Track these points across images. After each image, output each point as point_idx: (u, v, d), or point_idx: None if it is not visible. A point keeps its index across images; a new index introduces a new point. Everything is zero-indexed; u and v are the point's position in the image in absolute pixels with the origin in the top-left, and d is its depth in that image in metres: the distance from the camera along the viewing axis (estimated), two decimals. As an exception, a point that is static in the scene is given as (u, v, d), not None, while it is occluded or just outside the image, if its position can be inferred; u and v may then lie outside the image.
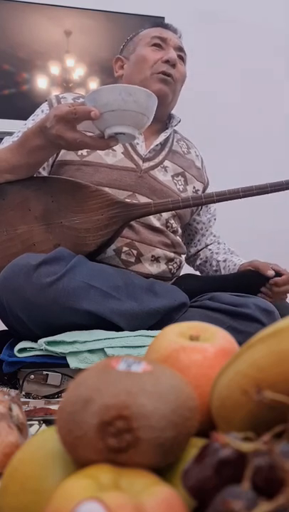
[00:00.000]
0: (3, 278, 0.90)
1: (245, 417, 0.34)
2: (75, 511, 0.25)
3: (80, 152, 1.13)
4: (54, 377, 0.88)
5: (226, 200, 1.07)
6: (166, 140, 1.26)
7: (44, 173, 1.14)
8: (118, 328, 0.93)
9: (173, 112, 1.30)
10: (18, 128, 1.18)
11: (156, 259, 1.14)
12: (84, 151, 1.13)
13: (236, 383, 0.34)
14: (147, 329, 0.96)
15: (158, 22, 1.30)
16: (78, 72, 2.17)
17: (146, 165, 1.18)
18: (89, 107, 0.88)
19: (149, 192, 1.15)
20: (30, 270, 0.88)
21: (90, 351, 0.87)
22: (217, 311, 1.01)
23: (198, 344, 0.44)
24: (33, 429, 0.62)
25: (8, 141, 1.13)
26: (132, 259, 1.11)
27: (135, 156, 1.17)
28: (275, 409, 0.31)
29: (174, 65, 1.18)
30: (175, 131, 1.32)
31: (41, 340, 0.87)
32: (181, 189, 1.22)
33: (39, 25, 2.12)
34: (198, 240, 1.37)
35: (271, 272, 1.13)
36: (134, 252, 1.11)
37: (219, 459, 0.27)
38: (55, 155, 1.13)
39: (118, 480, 0.30)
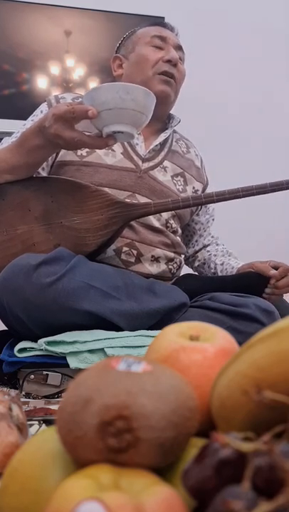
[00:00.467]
0: (3, 278, 0.90)
1: (245, 417, 0.34)
2: (75, 511, 0.25)
3: (79, 152, 1.13)
4: (54, 377, 0.88)
5: (226, 200, 1.07)
6: (166, 140, 1.26)
7: (43, 174, 1.14)
8: (118, 328, 0.93)
9: (173, 111, 1.30)
10: (17, 128, 1.18)
11: (156, 259, 1.14)
12: (83, 152, 1.13)
13: (236, 383, 0.34)
14: (147, 329, 0.96)
15: (156, 21, 1.30)
16: (78, 72, 2.17)
17: (146, 165, 1.18)
18: (86, 106, 0.87)
19: (148, 192, 1.15)
20: (30, 270, 0.88)
21: (90, 351, 0.87)
22: (217, 311, 1.01)
23: (198, 344, 0.44)
24: (33, 429, 0.62)
25: (7, 142, 1.13)
26: (132, 259, 1.11)
27: (135, 157, 1.17)
28: (275, 409, 0.31)
29: (175, 65, 1.19)
30: (174, 131, 1.32)
31: (41, 340, 0.87)
32: (180, 189, 1.22)
33: (39, 25, 2.12)
34: (196, 241, 1.37)
35: (273, 272, 1.13)
36: (134, 252, 1.11)
37: (219, 459, 0.27)
38: (54, 155, 1.13)
39: (118, 480, 0.30)
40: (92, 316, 0.90)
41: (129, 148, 1.17)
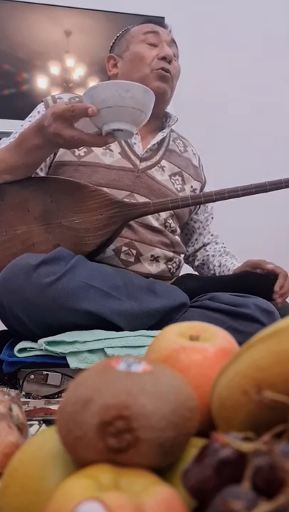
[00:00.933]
0: (3, 278, 0.90)
1: (245, 417, 0.34)
2: (75, 511, 0.25)
3: (77, 153, 1.13)
4: (54, 377, 0.88)
5: (225, 199, 1.07)
6: (163, 139, 1.25)
7: (42, 174, 1.14)
8: (118, 328, 0.93)
9: (172, 111, 1.30)
10: (17, 128, 1.18)
11: (155, 259, 1.14)
12: (81, 152, 1.13)
13: (236, 383, 0.34)
14: (147, 329, 0.96)
15: (148, 19, 1.30)
16: (78, 72, 2.16)
17: (144, 164, 1.18)
18: (86, 104, 0.87)
19: (147, 192, 1.15)
20: (30, 270, 0.88)
21: (90, 351, 0.87)
22: (217, 311, 1.01)
23: (198, 344, 0.44)
24: (33, 429, 0.62)
25: (5, 142, 1.13)
26: (132, 259, 1.11)
27: (132, 156, 1.17)
28: (275, 409, 0.31)
29: (170, 62, 1.19)
30: (172, 130, 1.32)
31: (41, 340, 0.87)
32: (178, 188, 1.22)
33: (39, 25, 2.12)
34: (196, 239, 1.37)
35: (270, 266, 1.13)
36: (134, 251, 1.11)
37: (219, 459, 0.27)
38: (52, 156, 1.13)
39: (118, 480, 0.30)
40: (92, 316, 0.90)
41: (126, 148, 1.17)
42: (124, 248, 1.10)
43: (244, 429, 0.33)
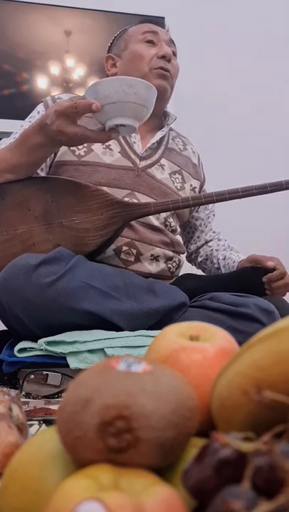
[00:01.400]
0: (3, 278, 0.90)
1: (245, 417, 0.34)
2: (75, 511, 0.25)
3: (77, 152, 1.13)
4: (54, 377, 0.88)
5: (226, 200, 1.07)
6: (162, 138, 1.26)
7: (42, 174, 1.14)
8: (118, 328, 0.93)
9: (172, 111, 1.30)
10: (17, 128, 1.18)
11: (155, 258, 1.14)
12: (81, 151, 1.13)
13: (236, 383, 0.34)
14: (147, 329, 0.96)
15: (146, 19, 1.30)
16: (78, 72, 2.16)
17: (144, 163, 1.18)
18: (90, 100, 0.88)
19: (147, 190, 1.15)
20: (30, 270, 0.88)
21: (90, 351, 0.87)
22: (217, 311, 1.00)
23: (198, 344, 0.44)
24: (33, 429, 0.62)
25: (5, 143, 1.13)
26: (132, 259, 1.11)
27: (132, 155, 1.17)
28: (275, 410, 0.31)
29: (169, 60, 1.19)
30: (171, 129, 1.32)
31: (41, 340, 0.87)
32: (178, 187, 1.22)
33: (39, 25, 2.12)
34: (198, 237, 1.37)
35: (271, 263, 1.13)
36: (134, 251, 1.11)
37: (219, 459, 0.27)
38: (52, 156, 1.13)
39: (118, 480, 0.30)
40: (92, 316, 0.90)
41: (126, 147, 1.17)
42: (124, 248, 1.10)
43: (244, 429, 0.33)
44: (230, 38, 2.28)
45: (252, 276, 1.14)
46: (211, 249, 1.35)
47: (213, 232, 1.38)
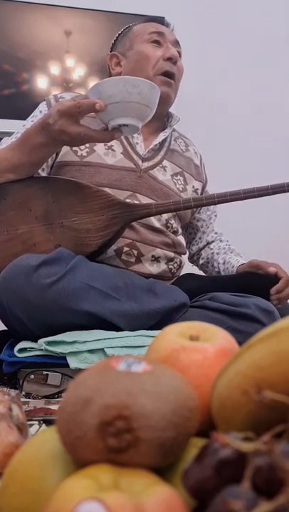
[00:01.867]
0: (3, 279, 0.90)
1: (245, 417, 0.34)
2: (75, 511, 0.25)
3: (79, 153, 1.13)
4: (54, 377, 0.88)
5: (227, 201, 1.07)
6: (164, 139, 1.25)
7: (43, 175, 1.14)
8: (118, 329, 0.93)
9: (174, 112, 1.30)
10: (17, 128, 1.18)
11: (156, 259, 1.14)
12: (83, 152, 1.13)
13: (236, 383, 0.34)
14: (147, 329, 0.96)
15: (151, 18, 1.29)
16: (78, 72, 2.16)
17: (146, 165, 1.18)
18: (93, 100, 0.88)
19: (149, 192, 1.15)
20: (30, 271, 0.88)
21: (90, 351, 0.87)
22: (217, 311, 1.00)
23: (198, 344, 0.44)
24: (33, 429, 0.62)
25: (6, 142, 1.13)
26: (133, 260, 1.11)
27: (134, 156, 1.17)
28: (275, 409, 0.31)
29: (175, 62, 1.19)
30: (173, 129, 1.32)
31: (41, 340, 0.87)
32: (180, 188, 1.22)
33: (39, 25, 2.12)
34: (200, 238, 1.37)
35: (272, 269, 1.13)
36: (135, 252, 1.11)
37: (219, 459, 0.27)
38: (54, 156, 1.13)
39: (118, 480, 0.30)
40: (92, 317, 0.90)
41: (129, 148, 1.17)
42: (125, 248, 1.10)
43: (244, 429, 0.33)
44: (231, 38, 2.28)
45: (253, 281, 1.14)
46: (212, 252, 1.35)
47: (215, 233, 1.38)
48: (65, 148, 1.12)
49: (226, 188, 1.09)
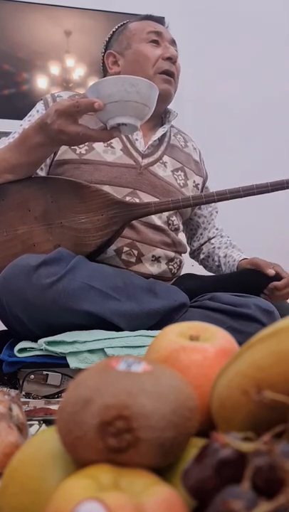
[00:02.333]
0: (3, 279, 0.90)
1: (245, 417, 0.34)
2: (75, 511, 0.25)
3: (78, 151, 1.13)
4: (54, 377, 0.88)
5: (227, 199, 1.07)
6: (164, 135, 1.25)
7: (42, 174, 1.13)
8: (118, 329, 0.93)
9: (173, 109, 1.30)
10: (16, 128, 1.18)
11: (156, 259, 1.14)
12: (82, 150, 1.13)
13: (236, 383, 0.34)
14: (147, 329, 0.96)
15: (146, 15, 1.29)
16: (78, 72, 2.17)
17: (146, 161, 1.18)
18: (92, 99, 0.88)
19: (149, 188, 1.15)
20: (30, 271, 0.88)
21: (90, 351, 0.87)
22: (217, 311, 1.00)
23: (198, 344, 0.44)
24: (33, 429, 0.62)
25: (4, 142, 1.12)
26: (133, 260, 1.11)
27: (134, 153, 1.17)
28: (275, 410, 0.31)
29: (174, 62, 1.19)
30: (172, 126, 1.32)
31: (41, 340, 0.87)
32: (181, 184, 1.22)
33: (39, 25, 2.12)
34: (201, 234, 1.37)
35: (271, 271, 1.13)
36: (135, 252, 1.11)
37: (219, 459, 0.27)
38: (52, 155, 1.12)
39: (118, 480, 0.30)
40: (92, 317, 0.90)
41: (128, 145, 1.17)
42: (125, 248, 1.10)
43: (244, 429, 0.33)
44: (231, 38, 2.28)
45: (251, 278, 1.14)
46: (213, 247, 1.35)
47: (216, 229, 1.38)
48: (64, 147, 1.11)
49: (225, 186, 1.09)
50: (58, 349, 0.86)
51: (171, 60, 1.18)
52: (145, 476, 0.30)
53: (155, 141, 1.21)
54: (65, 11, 2.14)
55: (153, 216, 1.13)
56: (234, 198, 1.07)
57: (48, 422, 0.65)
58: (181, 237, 1.28)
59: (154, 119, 1.23)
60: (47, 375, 0.88)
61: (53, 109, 0.91)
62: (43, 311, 0.88)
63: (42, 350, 0.86)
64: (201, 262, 1.40)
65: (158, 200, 1.11)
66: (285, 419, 0.30)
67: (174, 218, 1.19)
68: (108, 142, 1.14)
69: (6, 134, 1.22)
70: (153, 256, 1.13)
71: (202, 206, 1.34)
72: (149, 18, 1.26)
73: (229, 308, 1.00)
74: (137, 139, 1.19)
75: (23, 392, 0.87)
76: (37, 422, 0.65)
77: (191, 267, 1.43)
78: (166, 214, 1.17)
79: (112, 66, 1.24)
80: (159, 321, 0.97)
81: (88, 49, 2.15)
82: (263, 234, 2.08)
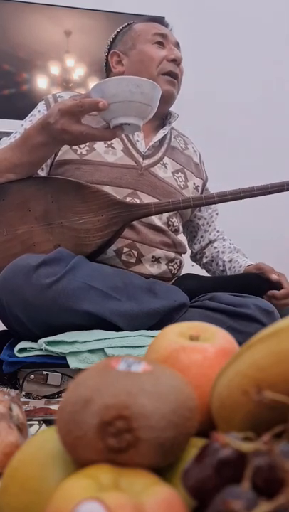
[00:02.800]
0: (3, 278, 0.90)
1: (245, 417, 0.34)
2: (75, 511, 0.25)
3: (79, 151, 1.13)
4: (54, 377, 0.88)
5: (227, 201, 1.07)
6: (164, 136, 1.26)
7: (43, 174, 1.13)
8: (118, 329, 0.93)
9: (174, 111, 1.30)
10: (17, 128, 1.18)
11: (156, 260, 1.14)
12: (83, 150, 1.13)
13: (236, 383, 0.34)
14: (147, 329, 0.96)
15: (151, 18, 1.30)
16: (78, 72, 2.17)
17: (147, 162, 1.18)
18: (96, 99, 0.88)
19: (150, 189, 1.15)
20: (30, 271, 0.88)
21: (90, 351, 0.87)
22: (217, 311, 1.00)
23: (198, 344, 0.44)
24: (33, 429, 0.62)
25: (5, 142, 1.13)
26: (133, 260, 1.11)
27: (135, 154, 1.17)
28: (275, 409, 0.31)
29: (178, 64, 1.20)
30: (172, 128, 1.32)
31: (41, 341, 0.87)
32: (182, 185, 1.22)
33: (39, 25, 2.12)
34: (202, 236, 1.37)
35: (275, 277, 1.13)
36: (135, 252, 1.11)
37: (219, 459, 0.27)
38: (53, 155, 1.13)
39: (118, 480, 0.30)
40: (92, 317, 0.90)
41: (129, 145, 1.17)
42: (125, 249, 1.10)
43: (244, 429, 0.33)
44: (231, 38, 2.28)
45: (253, 281, 1.14)
46: (217, 251, 1.35)
47: (217, 231, 1.38)
48: (65, 147, 1.12)
49: (225, 187, 1.09)
50: (58, 349, 0.86)
51: (176, 61, 1.19)
52: (145, 476, 0.30)
53: (156, 142, 1.22)
54: (65, 11, 2.14)
55: (153, 217, 1.13)
56: (234, 200, 1.07)
57: (48, 422, 0.65)
58: (181, 238, 1.28)
59: (156, 121, 1.24)
60: (47, 375, 0.88)
61: (55, 108, 0.91)
62: (42, 311, 0.88)
63: (42, 350, 0.86)
64: (204, 266, 1.39)
65: (158, 201, 1.11)
66: (285, 419, 0.30)
67: (174, 219, 1.19)
68: (109, 143, 1.14)
69: (6, 134, 1.22)
70: (153, 257, 1.13)
71: (202, 208, 1.34)
72: (154, 20, 1.26)
73: (229, 308, 1.00)
74: (138, 140, 1.19)
75: (23, 392, 0.87)
76: (37, 422, 0.65)
77: (191, 267, 1.43)
78: (166, 215, 1.17)
79: (116, 65, 1.25)
80: (159, 321, 0.97)
81: (88, 49, 2.15)
82: (261, 235, 2.08)
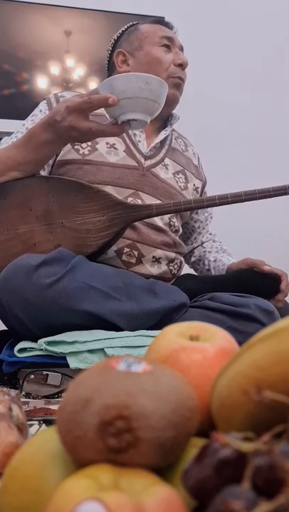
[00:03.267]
0: (3, 278, 0.90)
1: (245, 417, 0.34)
2: (75, 511, 0.25)
3: (81, 151, 1.13)
4: (54, 377, 0.88)
5: (228, 203, 1.07)
6: (166, 138, 1.27)
7: (44, 174, 1.13)
8: (118, 329, 0.93)
9: (175, 113, 1.31)
10: (18, 128, 1.18)
11: (157, 260, 1.14)
12: (85, 150, 1.13)
13: (236, 383, 0.34)
14: (147, 329, 0.96)
15: (157, 20, 1.30)
16: (78, 72, 2.17)
17: (148, 163, 1.18)
18: (106, 94, 0.88)
19: (151, 190, 1.15)
20: (30, 271, 0.88)
21: (90, 351, 0.87)
22: (217, 311, 1.01)
23: (198, 344, 0.44)
24: (33, 429, 0.62)
25: (6, 142, 1.12)
26: (133, 260, 1.11)
27: (137, 154, 1.17)
28: (275, 409, 0.31)
29: (184, 69, 1.22)
30: (173, 129, 1.33)
31: (41, 340, 0.87)
32: (182, 186, 1.23)
33: (39, 25, 2.12)
34: (195, 238, 1.39)
35: (267, 267, 1.14)
36: (135, 253, 1.11)
37: (219, 459, 0.27)
38: (54, 156, 1.13)
39: (118, 480, 0.30)
40: (92, 317, 0.90)
41: (131, 146, 1.18)
42: (125, 249, 1.10)
43: (244, 429, 0.33)
44: (230, 38, 2.28)
45: (254, 280, 1.14)
46: (205, 251, 1.38)
47: (210, 233, 1.41)
48: (67, 147, 1.12)
49: (224, 189, 1.09)
50: (58, 349, 0.86)
51: (182, 66, 1.21)
52: (145, 476, 0.30)
53: (157, 143, 1.22)
54: (65, 11, 2.14)
55: (155, 218, 1.13)
56: (235, 203, 1.07)
57: (48, 422, 0.65)
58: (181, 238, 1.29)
59: (158, 122, 1.25)
60: (47, 375, 0.88)
61: (62, 106, 0.91)
62: (42, 310, 0.88)
63: (42, 350, 0.86)
64: (192, 265, 1.41)
65: (160, 202, 1.12)
66: (285, 419, 0.30)
67: (174, 220, 1.20)
68: (111, 143, 1.15)
69: (6, 133, 1.22)
70: (153, 257, 1.13)
71: (199, 211, 1.35)
72: (160, 22, 1.27)
73: (229, 308, 1.00)
74: (139, 141, 1.19)
75: (23, 392, 0.87)
76: (37, 422, 0.65)
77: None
78: (167, 215, 1.17)
79: (121, 65, 1.25)
80: (159, 321, 0.97)
81: (88, 49, 2.15)
82: (261, 236, 2.08)
